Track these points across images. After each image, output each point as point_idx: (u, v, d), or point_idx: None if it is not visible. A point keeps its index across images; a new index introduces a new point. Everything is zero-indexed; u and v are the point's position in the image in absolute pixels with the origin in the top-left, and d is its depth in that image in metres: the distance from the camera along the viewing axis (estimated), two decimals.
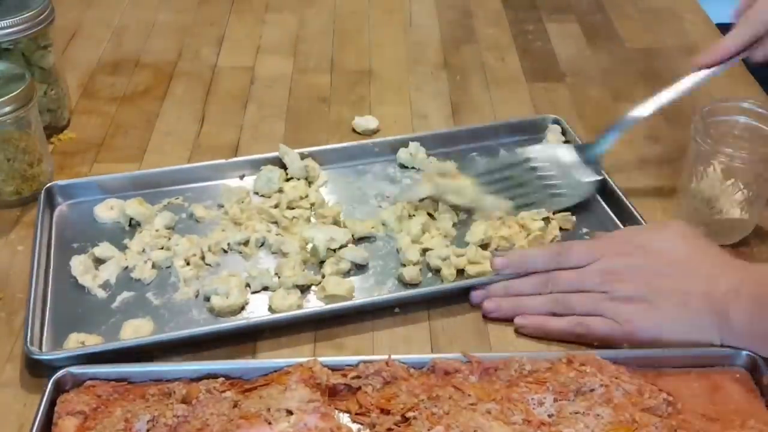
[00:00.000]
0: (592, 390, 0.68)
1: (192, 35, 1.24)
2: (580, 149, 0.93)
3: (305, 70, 1.17)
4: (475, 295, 0.79)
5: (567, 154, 0.93)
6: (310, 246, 0.84)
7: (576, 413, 0.66)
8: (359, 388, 0.69)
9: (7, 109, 0.86)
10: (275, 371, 0.70)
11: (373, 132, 1.04)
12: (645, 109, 0.89)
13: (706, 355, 0.72)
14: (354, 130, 1.04)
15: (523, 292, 0.79)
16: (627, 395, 0.67)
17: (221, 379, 0.69)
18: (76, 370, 0.70)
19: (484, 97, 1.11)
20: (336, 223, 0.88)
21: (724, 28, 1.27)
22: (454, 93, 1.12)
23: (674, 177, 0.92)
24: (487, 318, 0.78)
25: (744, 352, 0.71)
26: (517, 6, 1.32)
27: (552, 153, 0.94)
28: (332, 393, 0.69)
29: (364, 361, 0.70)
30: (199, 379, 0.70)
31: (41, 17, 0.96)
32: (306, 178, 0.93)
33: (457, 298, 0.80)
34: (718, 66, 0.86)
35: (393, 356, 0.71)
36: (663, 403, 0.67)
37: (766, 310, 0.70)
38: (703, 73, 0.87)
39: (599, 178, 0.91)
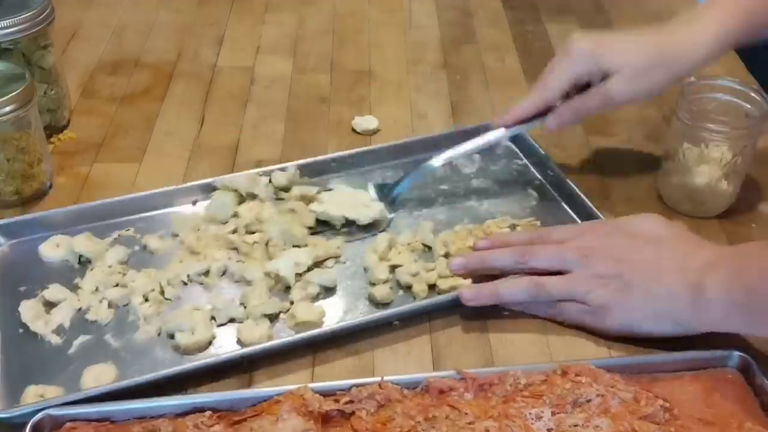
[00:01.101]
0: (588, 401, 0.67)
1: (192, 35, 1.24)
2: (381, 188, 0.93)
3: (305, 70, 1.17)
4: (463, 294, 0.78)
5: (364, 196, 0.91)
6: (274, 275, 0.81)
7: (575, 426, 0.65)
8: (353, 413, 0.66)
9: (7, 109, 0.86)
10: (265, 401, 0.67)
11: (373, 132, 1.04)
12: (437, 160, 0.91)
13: (698, 359, 0.72)
14: (354, 130, 1.04)
15: (500, 266, 0.80)
16: (624, 404, 0.67)
17: (208, 413, 0.66)
18: (54, 411, 0.66)
19: (484, 97, 1.11)
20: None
21: None
22: (454, 93, 1.12)
23: None
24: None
25: (736, 353, 0.71)
26: (517, 6, 1.32)
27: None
28: (325, 420, 0.66)
29: (357, 385, 0.68)
30: (185, 414, 0.66)
31: (41, 17, 0.96)
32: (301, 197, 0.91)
33: (456, 307, 0.79)
34: (515, 126, 0.91)
35: (385, 377, 0.69)
36: (660, 410, 0.67)
37: (743, 278, 0.69)
38: (501, 132, 0.91)
39: (389, 217, 0.90)
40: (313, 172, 0.95)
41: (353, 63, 1.18)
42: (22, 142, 0.89)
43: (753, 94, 0.88)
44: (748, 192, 0.93)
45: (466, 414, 0.66)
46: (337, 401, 0.67)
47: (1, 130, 0.87)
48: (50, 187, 0.94)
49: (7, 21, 0.93)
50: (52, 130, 1.02)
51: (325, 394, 0.67)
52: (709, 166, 0.87)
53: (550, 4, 1.33)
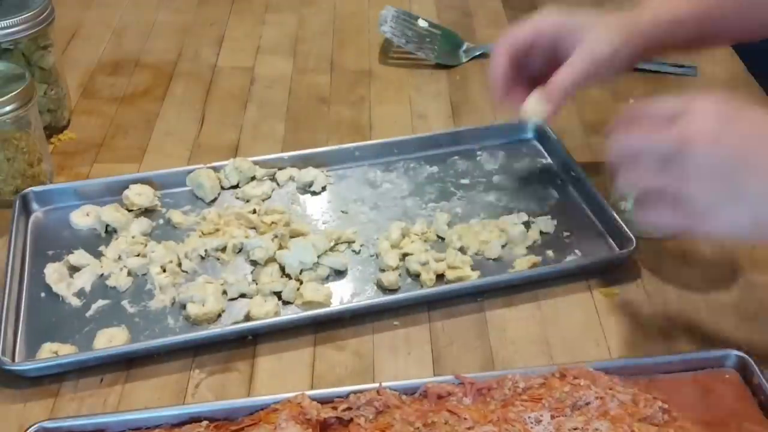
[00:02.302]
0: (587, 403, 0.67)
1: (192, 35, 1.24)
2: None
3: (305, 70, 1.17)
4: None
5: None
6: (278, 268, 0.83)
7: (575, 429, 0.64)
8: (351, 420, 0.66)
9: (7, 108, 0.87)
10: (262, 409, 0.67)
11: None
12: None
13: (696, 359, 0.72)
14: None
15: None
16: (622, 406, 0.66)
17: (205, 423, 0.66)
18: (49, 424, 0.66)
19: (484, 97, 1.11)
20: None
21: None
22: (454, 93, 1.12)
23: None
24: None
25: (734, 353, 0.71)
26: (517, 6, 1.32)
27: None
28: (324, 427, 0.65)
29: (355, 392, 0.68)
30: (181, 424, 0.66)
31: (41, 17, 0.96)
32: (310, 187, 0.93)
33: (457, 298, 0.80)
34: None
35: (384, 383, 0.68)
36: (659, 412, 0.66)
37: None
38: None
39: None
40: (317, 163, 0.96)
41: (353, 63, 1.18)
42: (22, 142, 0.90)
43: None
44: None
45: (465, 419, 0.66)
46: (335, 408, 0.66)
47: (1, 130, 0.87)
48: None
49: (7, 21, 0.93)
50: (52, 130, 1.02)
51: (323, 401, 0.67)
52: None
53: (550, 4, 1.32)
